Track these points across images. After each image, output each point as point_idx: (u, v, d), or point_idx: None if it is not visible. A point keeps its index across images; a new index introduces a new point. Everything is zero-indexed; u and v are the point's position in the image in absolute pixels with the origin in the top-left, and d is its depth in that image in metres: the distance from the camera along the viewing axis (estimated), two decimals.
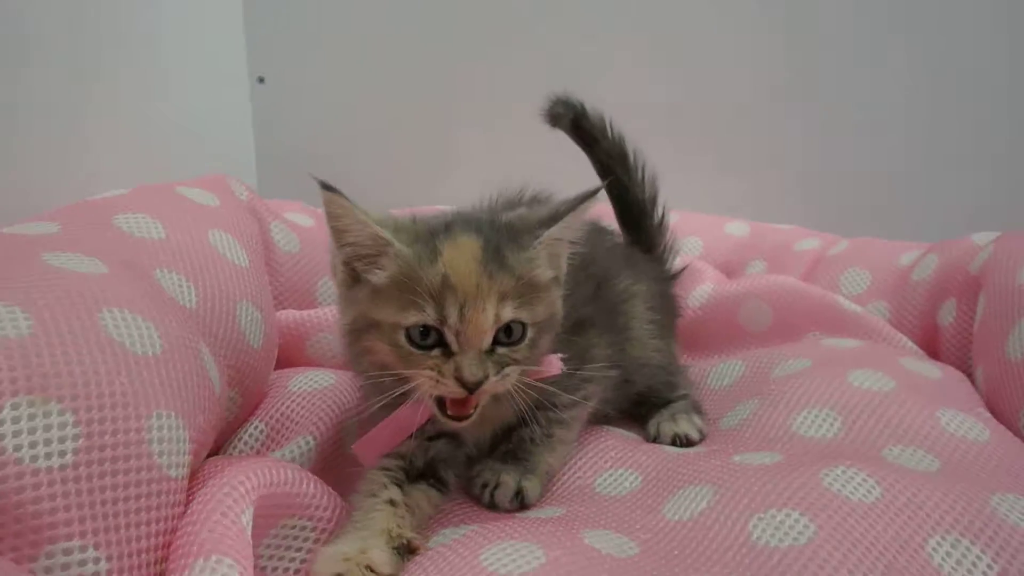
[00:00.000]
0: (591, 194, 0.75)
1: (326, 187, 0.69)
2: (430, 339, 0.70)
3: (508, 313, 0.70)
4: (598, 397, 0.90)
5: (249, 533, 0.59)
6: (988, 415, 0.89)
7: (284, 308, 1.11)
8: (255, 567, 0.64)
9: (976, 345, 1.02)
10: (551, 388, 0.79)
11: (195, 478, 0.68)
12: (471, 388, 0.69)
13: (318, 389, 0.92)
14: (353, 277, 0.73)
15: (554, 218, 0.74)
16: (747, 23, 1.59)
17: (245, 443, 0.87)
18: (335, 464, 0.84)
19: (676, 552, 0.67)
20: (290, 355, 1.05)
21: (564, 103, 1.08)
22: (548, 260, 0.76)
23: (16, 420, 0.52)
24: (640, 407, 1.01)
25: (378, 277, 0.71)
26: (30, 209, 0.87)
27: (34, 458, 0.52)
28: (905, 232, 1.36)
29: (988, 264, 1.05)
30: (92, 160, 1.21)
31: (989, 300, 1.00)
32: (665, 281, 1.14)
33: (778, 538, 0.64)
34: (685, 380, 1.02)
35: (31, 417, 0.53)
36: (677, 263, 1.20)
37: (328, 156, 1.76)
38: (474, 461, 0.84)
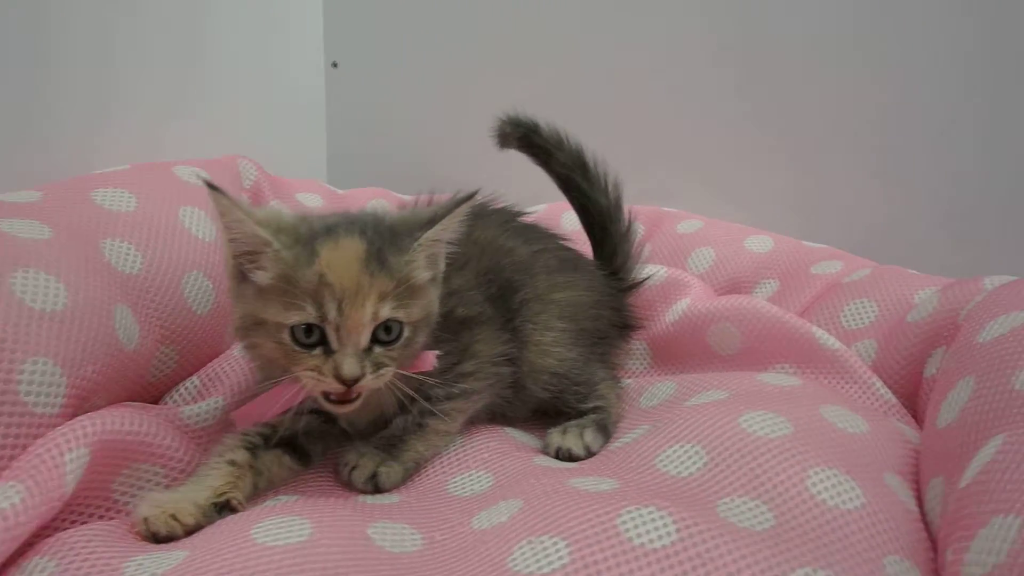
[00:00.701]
0: (467, 198, 0.79)
1: (209, 186, 0.77)
2: (313, 337, 0.76)
3: (386, 312, 0.76)
4: (485, 393, 0.92)
5: (73, 468, 0.70)
6: (893, 483, 0.79)
7: None
8: (109, 500, 0.78)
9: (928, 405, 0.89)
10: (427, 380, 0.84)
11: None
12: (349, 384, 0.76)
13: None
14: (241, 272, 0.80)
15: (432, 221, 0.79)
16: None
17: (180, 395, 1.01)
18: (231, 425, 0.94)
19: (447, 559, 0.70)
20: None
21: (512, 123, 1.11)
22: (426, 261, 0.81)
23: None
24: (558, 416, 1.01)
25: (261, 278, 0.77)
26: None
27: None
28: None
29: (969, 314, 0.91)
30: (167, 141, 1.34)
31: (950, 356, 0.88)
32: (616, 292, 1.11)
33: (527, 564, 0.65)
34: (600, 394, 1.00)
35: None
36: (641, 274, 1.17)
37: (398, 141, 1.87)
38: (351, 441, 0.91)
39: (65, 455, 0.70)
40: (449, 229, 0.81)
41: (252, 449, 0.83)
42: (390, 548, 0.70)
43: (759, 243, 1.38)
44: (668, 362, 1.21)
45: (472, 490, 0.84)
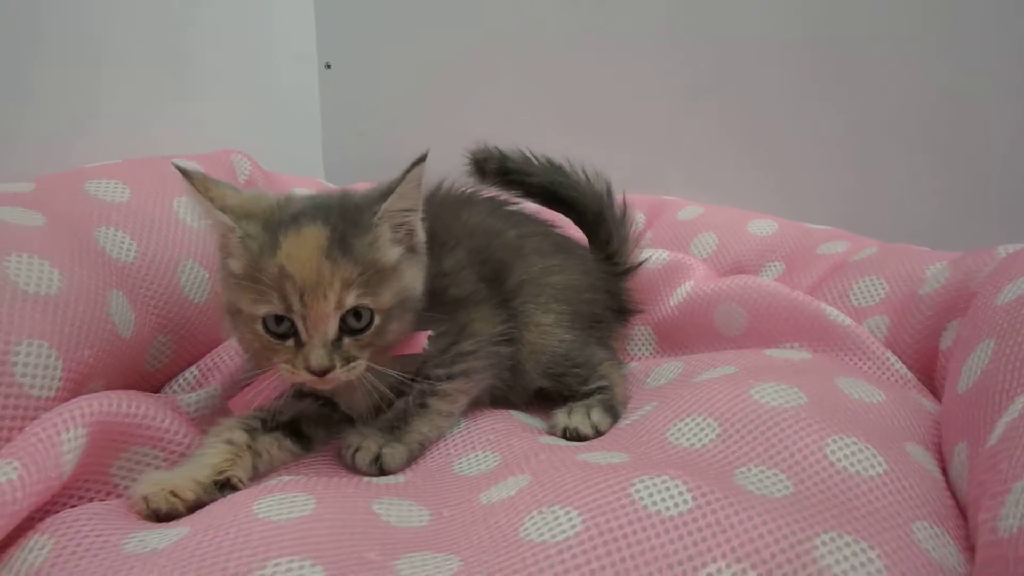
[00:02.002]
0: (417, 162, 0.78)
1: (180, 171, 0.76)
2: (283, 327, 0.75)
3: (351, 300, 0.74)
4: (486, 373, 0.90)
5: (70, 448, 0.68)
6: (913, 451, 0.77)
7: None
8: (108, 483, 0.76)
9: (948, 372, 0.87)
10: (423, 360, 0.83)
11: None
12: (320, 375, 0.74)
13: None
14: (224, 265, 0.80)
15: (387, 192, 0.78)
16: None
17: (180, 385, 0.99)
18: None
19: (457, 532, 0.68)
20: None
21: (483, 154, 1.13)
22: (392, 236, 0.78)
23: None
24: (564, 401, 0.99)
25: (233, 264, 0.76)
26: None
27: None
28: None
29: (984, 280, 0.89)
30: (160, 142, 1.31)
31: (966, 321, 0.86)
32: (612, 276, 1.10)
33: (540, 533, 0.63)
34: (602, 374, 0.98)
35: None
36: (638, 258, 1.16)
37: (391, 140, 1.87)
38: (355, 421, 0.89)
39: (61, 434, 0.68)
40: (406, 196, 0.78)
41: (250, 431, 0.81)
42: (395, 523, 0.68)
43: (762, 227, 1.36)
44: (673, 345, 1.19)
45: (479, 469, 0.82)
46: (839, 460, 0.72)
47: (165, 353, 0.97)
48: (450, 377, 0.87)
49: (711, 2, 1.50)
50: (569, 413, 0.92)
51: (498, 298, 0.94)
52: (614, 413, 0.94)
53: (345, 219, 0.77)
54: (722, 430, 0.79)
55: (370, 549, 0.62)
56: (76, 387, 0.79)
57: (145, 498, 0.69)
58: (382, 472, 0.81)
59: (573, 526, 0.62)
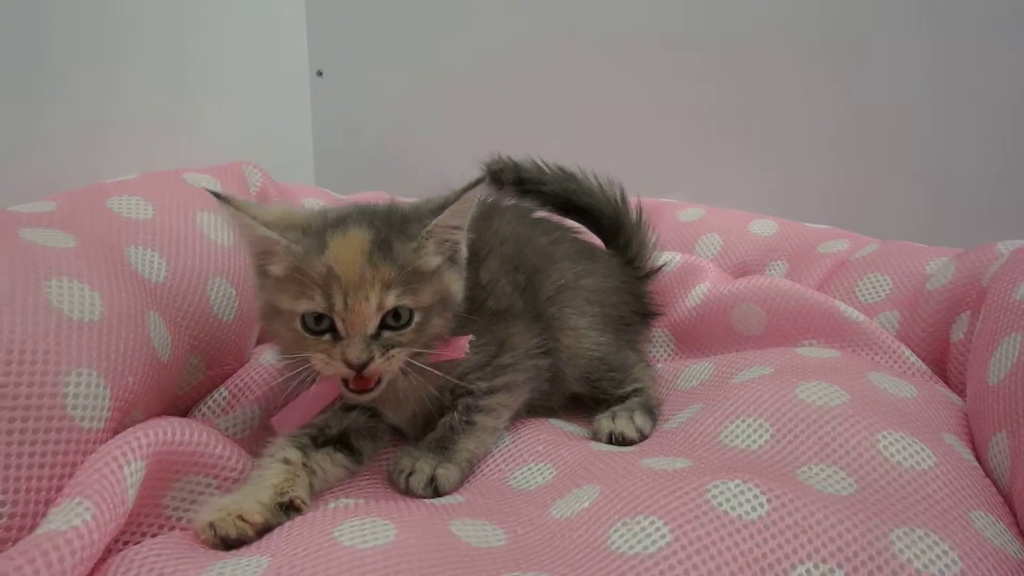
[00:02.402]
0: (475, 184, 0.79)
1: (216, 196, 0.77)
2: (322, 325, 0.76)
3: (391, 300, 0.75)
4: (526, 386, 0.91)
5: (132, 482, 0.66)
6: (952, 442, 0.81)
7: None
8: (161, 516, 0.73)
9: (968, 365, 0.92)
10: (462, 372, 0.83)
11: None
12: (357, 368, 0.74)
13: (278, 362, 0.99)
14: (261, 268, 0.80)
15: (441, 207, 0.79)
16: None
17: (209, 407, 0.96)
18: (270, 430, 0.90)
19: (539, 548, 0.68)
20: None
21: (499, 164, 1.14)
22: (437, 247, 0.80)
23: None
24: (597, 405, 1.01)
25: (275, 269, 0.78)
26: None
27: None
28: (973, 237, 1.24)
29: (996, 276, 0.94)
30: (153, 151, 1.29)
31: (985, 316, 0.90)
32: (635, 280, 1.12)
33: (630, 544, 0.64)
34: (636, 377, 1.00)
35: None
36: (658, 261, 1.18)
37: (383, 146, 1.85)
38: (400, 440, 0.88)
39: (124, 468, 0.66)
40: (458, 214, 0.80)
41: (302, 449, 0.80)
42: (477, 544, 0.68)
43: (763, 227, 1.40)
44: (692, 346, 1.21)
45: (536, 482, 0.83)
46: (892, 455, 0.76)
47: (195, 375, 0.94)
48: (492, 391, 0.87)
49: (704, 8, 1.54)
50: (613, 418, 0.93)
51: (533, 307, 0.95)
52: (653, 416, 0.96)
53: (391, 225, 0.79)
54: (775, 431, 0.81)
55: (465, 574, 0.62)
56: (121, 416, 0.76)
57: (212, 524, 0.67)
58: (437, 494, 0.81)
59: (663, 536, 0.63)
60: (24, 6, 1.01)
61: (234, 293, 1.00)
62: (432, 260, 0.79)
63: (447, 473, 0.82)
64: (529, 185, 1.16)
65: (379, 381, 0.79)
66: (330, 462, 0.81)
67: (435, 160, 1.82)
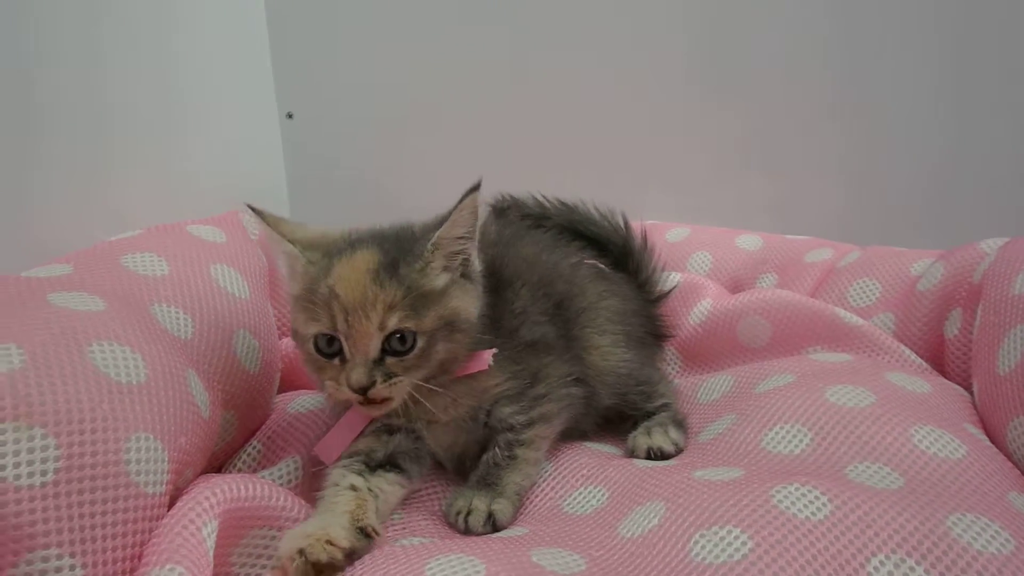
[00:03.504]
0: (472, 191, 0.80)
1: (252, 209, 0.81)
2: (333, 347, 0.78)
3: (393, 321, 0.77)
4: (563, 416, 0.92)
5: (210, 544, 0.65)
6: (974, 431, 0.87)
7: (288, 335, 1.18)
8: (229, 573, 0.72)
9: (973, 358, 0.99)
10: (495, 399, 0.86)
11: (181, 494, 0.75)
12: (360, 392, 0.77)
13: (311, 410, 0.98)
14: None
15: (441, 220, 0.81)
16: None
17: (244, 462, 0.94)
18: (318, 477, 0.89)
19: (621, 569, 0.69)
20: (293, 378, 1.13)
21: (506, 202, 1.20)
22: (447, 262, 0.81)
23: (2, 444, 0.60)
24: (623, 422, 1.03)
25: (294, 288, 0.81)
26: (60, 250, 0.97)
27: (17, 476, 0.59)
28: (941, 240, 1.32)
29: (988, 272, 1.02)
30: (126, 201, 1.26)
31: (984, 311, 0.97)
32: (648, 303, 1.16)
33: (715, 555, 0.66)
34: (663, 391, 1.03)
35: (16, 441, 0.61)
36: (667, 284, 1.22)
37: (356, 185, 1.85)
38: (440, 472, 0.91)
39: (202, 530, 0.65)
40: (460, 223, 0.81)
41: (361, 475, 0.82)
42: (562, 571, 0.69)
43: (748, 242, 1.47)
44: (699, 362, 1.25)
45: (591, 506, 0.84)
46: (928, 447, 0.80)
47: (229, 430, 0.92)
48: (530, 423, 0.89)
49: (668, 26, 1.60)
50: (648, 433, 0.96)
51: (564, 334, 0.97)
52: (684, 429, 0.99)
53: (399, 246, 0.81)
54: (813, 434, 0.85)
55: None
56: (175, 478, 0.74)
57: (301, 551, 0.67)
58: (495, 529, 0.81)
59: (743, 543, 0.66)
60: None
61: (257, 345, 0.99)
62: (439, 279, 0.80)
63: (502, 508, 0.83)
64: (533, 221, 1.18)
65: (386, 398, 0.79)
66: (386, 483, 0.82)
67: (411, 193, 1.84)
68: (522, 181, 1.23)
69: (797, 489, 0.72)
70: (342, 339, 0.77)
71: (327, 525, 0.70)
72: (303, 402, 1.01)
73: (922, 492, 0.73)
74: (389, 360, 0.78)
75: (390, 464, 0.85)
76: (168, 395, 0.76)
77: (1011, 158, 1.49)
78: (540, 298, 0.97)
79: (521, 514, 0.86)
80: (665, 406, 1.02)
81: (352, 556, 0.69)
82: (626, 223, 1.21)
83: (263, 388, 0.99)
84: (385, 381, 0.77)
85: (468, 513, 0.81)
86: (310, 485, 0.87)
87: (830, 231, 1.50)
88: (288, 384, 1.12)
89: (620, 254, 1.19)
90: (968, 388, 1.01)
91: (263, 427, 0.99)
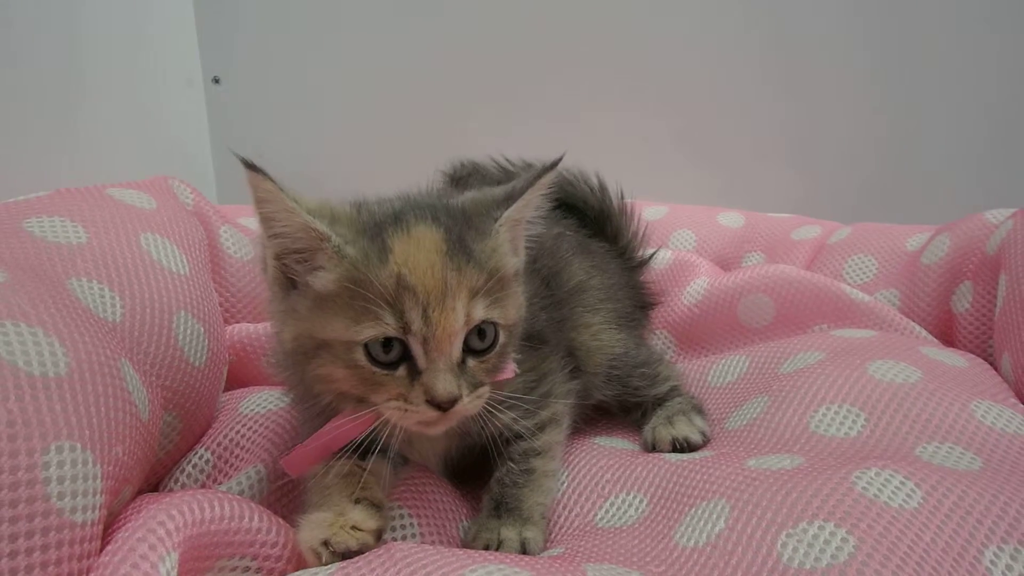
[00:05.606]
0: (548, 168, 0.66)
1: (249, 166, 0.58)
2: (393, 354, 0.59)
3: (480, 312, 0.61)
4: (568, 417, 0.80)
5: None
6: (1016, 404, 0.80)
7: (236, 321, 1.00)
8: None
9: (999, 331, 0.93)
10: (507, 399, 0.68)
11: (117, 520, 0.58)
12: (445, 408, 0.59)
13: (272, 411, 0.81)
14: (289, 279, 0.62)
15: (511, 197, 0.65)
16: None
17: (188, 475, 0.76)
18: (291, 492, 0.72)
19: None
20: (242, 373, 0.94)
21: (463, 170, 1.06)
22: (510, 246, 0.66)
23: None
24: (632, 411, 0.91)
25: (320, 281, 0.60)
26: None
27: None
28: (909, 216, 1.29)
29: (1007, 243, 0.96)
30: (40, 166, 1.12)
31: (1011, 282, 0.91)
32: (631, 270, 1.05)
33: (813, 557, 0.54)
34: (667, 373, 0.92)
35: None
36: (647, 250, 1.11)
37: (288, 155, 1.67)
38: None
39: (160, 567, 0.47)
40: (531, 205, 0.67)
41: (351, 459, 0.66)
42: None
43: (730, 219, 1.39)
44: (695, 344, 1.15)
45: (632, 516, 0.71)
46: (993, 423, 0.73)
47: (171, 436, 0.74)
48: (540, 428, 0.75)
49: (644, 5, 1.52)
50: (671, 422, 0.84)
51: (552, 314, 0.84)
52: (704, 414, 0.88)
53: (455, 220, 0.63)
54: (867, 413, 0.76)
55: None
56: (111, 499, 0.56)
57: (326, 542, 0.57)
58: None
59: (844, 540, 0.55)
60: None
61: (202, 330, 0.80)
62: (511, 262, 0.65)
63: (534, 536, 0.69)
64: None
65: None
66: (378, 463, 0.67)
67: (344, 165, 1.67)
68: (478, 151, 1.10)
69: (878, 474, 0.62)
70: (414, 341, 0.59)
71: (342, 511, 0.60)
72: (258, 400, 0.83)
73: (1007, 473, 0.65)
74: (472, 363, 0.62)
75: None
76: (98, 391, 0.57)
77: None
78: (533, 280, 0.83)
79: (553, 533, 0.73)
80: (674, 390, 0.91)
81: (379, 536, 0.59)
82: (602, 184, 1.09)
83: (210, 384, 0.81)
84: (471, 392, 0.60)
85: (498, 546, 0.67)
86: (278, 501, 0.70)
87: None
88: (236, 379, 0.93)
89: (598, 218, 1.07)
90: (988, 362, 0.95)
91: (209, 432, 0.80)
